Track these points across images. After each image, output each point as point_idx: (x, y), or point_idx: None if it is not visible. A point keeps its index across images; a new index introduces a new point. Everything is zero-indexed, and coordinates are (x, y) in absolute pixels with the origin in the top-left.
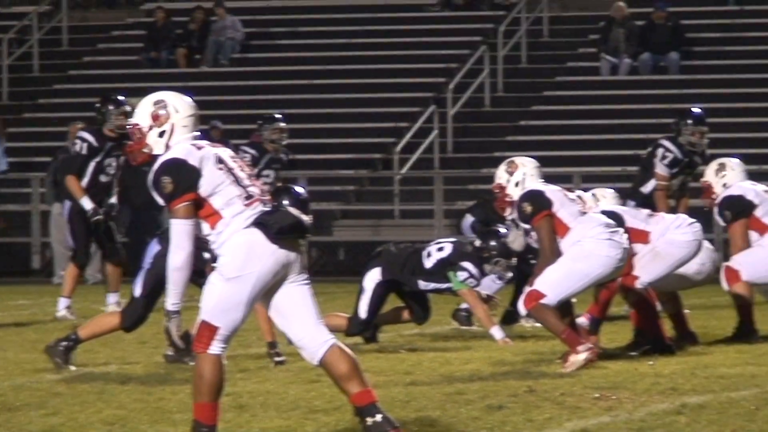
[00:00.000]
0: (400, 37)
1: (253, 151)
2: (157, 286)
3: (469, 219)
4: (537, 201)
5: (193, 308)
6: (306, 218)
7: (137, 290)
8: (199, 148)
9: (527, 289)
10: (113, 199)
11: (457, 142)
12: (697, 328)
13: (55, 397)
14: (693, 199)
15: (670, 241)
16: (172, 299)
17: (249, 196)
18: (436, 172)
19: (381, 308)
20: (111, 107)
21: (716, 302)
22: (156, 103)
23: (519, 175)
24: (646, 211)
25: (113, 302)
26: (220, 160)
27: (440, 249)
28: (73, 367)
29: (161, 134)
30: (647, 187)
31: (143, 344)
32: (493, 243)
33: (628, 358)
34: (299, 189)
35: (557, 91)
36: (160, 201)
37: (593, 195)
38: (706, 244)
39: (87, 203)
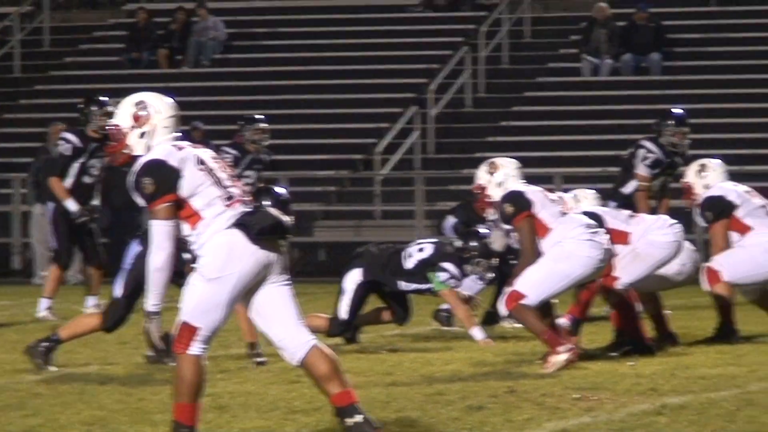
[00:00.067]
0: (382, 38)
1: (234, 152)
2: (137, 286)
3: (450, 220)
4: (518, 202)
5: (173, 309)
6: (287, 219)
7: (118, 291)
8: (180, 148)
9: (508, 289)
10: (96, 201)
11: (438, 143)
12: (677, 329)
13: (35, 398)
14: (674, 199)
15: (651, 242)
16: (152, 300)
17: (230, 197)
18: (417, 172)
19: (362, 309)
20: (94, 108)
21: (697, 303)
22: (137, 104)
23: (500, 176)
24: (627, 212)
25: (92, 305)
26: (201, 161)
27: (421, 250)
28: (53, 368)
29: (142, 135)
30: (628, 188)
31: (124, 345)
32: (473, 243)
33: (608, 359)
34: (280, 190)
35: (538, 91)
36: (141, 202)
37: (574, 196)
38: (687, 244)
39: (71, 205)
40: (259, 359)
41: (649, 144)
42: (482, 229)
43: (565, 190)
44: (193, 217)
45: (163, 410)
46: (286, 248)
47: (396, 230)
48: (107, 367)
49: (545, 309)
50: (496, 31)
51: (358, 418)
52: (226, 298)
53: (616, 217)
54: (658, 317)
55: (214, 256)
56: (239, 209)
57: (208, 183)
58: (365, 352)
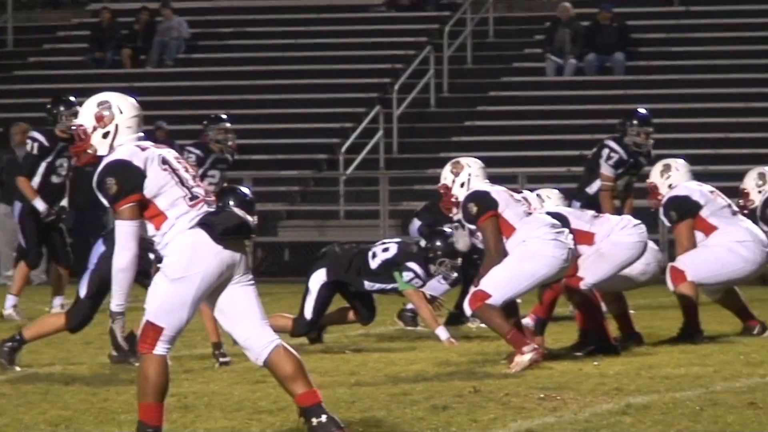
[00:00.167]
0: (346, 38)
1: (198, 152)
2: (102, 286)
3: (416, 223)
4: (482, 201)
5: (137, 309)
6: (251, 219)
7: (82, 291)
8: (144, 149)
9: (472, 289)
10: (64, 202)
11: (402, 143)
12: (642, 329)
13: None
14: (638, 199)
15: (615, 242)
16: (116, 300)
17: (194, 197)
18: (382, 172)
19: (326, 309)
20: (62, 108)
21: (661, 303)
22: (100, 104)
23: (464, 176)
24: (591, 213)
25: (58, 305)
26: (165, 161)
27: (385, 249)
28: (17, 368)
29: (105, 135)
30: (592, 188)
31: (88, 345)
32: (438, 243)
33: (573, 359)
34: (244, 190)
35: (503, 91)
36: (105, 202)
37: (538, 195)
38: (651, 244)
39: (40, 204)
40: (223, 359)
41: (613, 144)
42: (446, 229)
43: (530, 190)
44: (158, 217)
45: (128, 410)
46: (249, 248)
47: (360, 230)
48: (72, 367)
49: (510, 309)
50: (460, 31)
51: (323, 417)
52: (191, 298)
53: (580, 218)
54: (622, 317)
55: (178, 256)
56: (203, 209)
57: (172, 183)
58: (330, 352)
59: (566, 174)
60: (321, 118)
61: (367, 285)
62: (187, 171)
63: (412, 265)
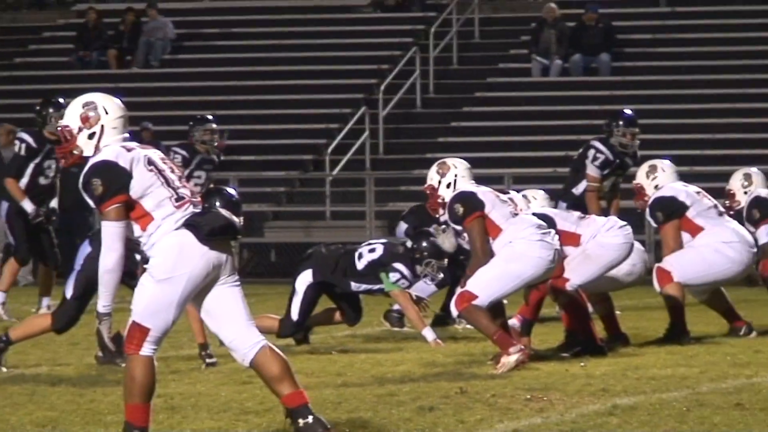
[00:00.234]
0: (331, 38)
1: (183, 152)
2: (88, 287)
3: (402, 226)
4: (469, 202)
5: (124, 310)
6: (237, 220)
7: (69, 292)
8: (129, 149)
9: (459, 290)
10: (54, 203)
11: (388, 144)
12: (628, 330)
13: None
14: (624, 200)
15: (601, 243)
16: (103, 301)
17: (179, 198)
18: (368, 173)
19: (313, 310)
20: (51, 110)
21: (648, 303)
22: (85, 104)
23: (450, 177)
24: (577, 214)
25: (45, 306)
26: (150, 162)
27: (372, 250)
28: (3, 369)
29: (91, 136)
30: (579, 189)
31: (75, 346)
32: (424, 244)
33: (559, 360)
34: (231, 191)
35: (488, 92)
36: (91, 203)
37: (524, 196)
38: (637, 245)
39: (28, 205)
40: (209, 360)
41: (599, 144)
42: (433, 230)
43: (516, 191)
44: (144, 218)
45: (114, 411)
46: (236, 249)
47: (346, 231)
48: (58, 368)
49: (496, 310)
50: (446, 32)
51: (310, 418)
52: (177, 299)
53: (566, 219)
54: (608, 318)
55: (164, 256)
56: (189, 210)
57: (157, 184)
58: (316, 353)
59: (552, 175)
60: (307, 119)
61: (354, 286)
62: (172, 172)
63: (398, 265)
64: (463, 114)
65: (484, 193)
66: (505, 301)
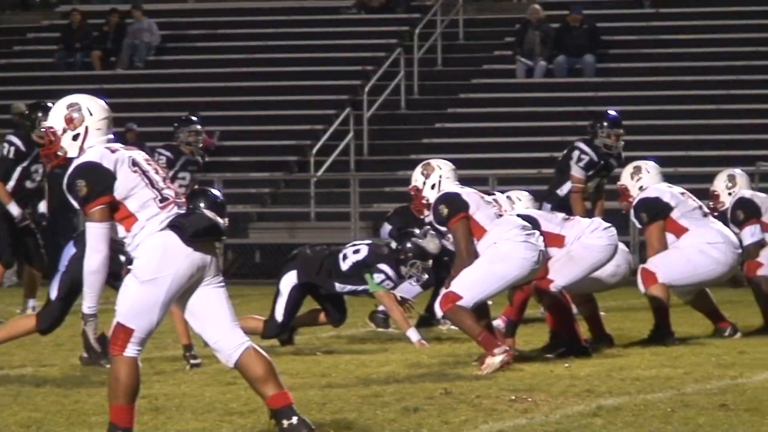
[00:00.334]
0: (316, 40)
1: (168, 154)
2: (73, 288)
3: (387, 227)
4: (453, 203)
5: (109, 311)
6: (222, 221)
7: (53, 293)
8: (114, 150)
9: (443, 291)
10: (43, 208)
11: (372, 145)
12: (612, 330)
13: None
14: (609, 201)
15: (585, 245)
16: (88, 302)
17: (164, 199)
18: (352, 174)
19: (297, 311)
20: (40, 114)
21: (632, 304)
22: (69, 106)
23: (435, 178)
24: (561, 215)
25: (31, 307)
26: (135, 163)
27: (356, 251)
28: None
29: (75, 137)
30: (563, 190)
31: (59, 347)
32: (408, 245)
33: (544, 361)
34: (215, 192)
35: (473, 93)
36: (75, 204)
37: (508, 197)
38: (621, 246)
39: (14, 209)
40: (194, 361)
41: (583, 146)
42: (417, 231)
43: (501, 192)
44: (128, 219)
45: (99, 412)
46: (220, 250)
47: (331, 232)
48: (43, 369)
49: (481, 311)
50: (431, 33)
51: (294, 419)
52: (161, 300)
53: (550, 221)
54: (593, 319)
55: (148, 257)
56: (174, 211)
57: (142, 185)
58: (301, 354)
59: (537, 176)
60: (291, 120)
61: (338, 287)
62: (157, 173)
63: (383, 266)
64: (447, 115)
65: (468, 194)
66: (489, 302)
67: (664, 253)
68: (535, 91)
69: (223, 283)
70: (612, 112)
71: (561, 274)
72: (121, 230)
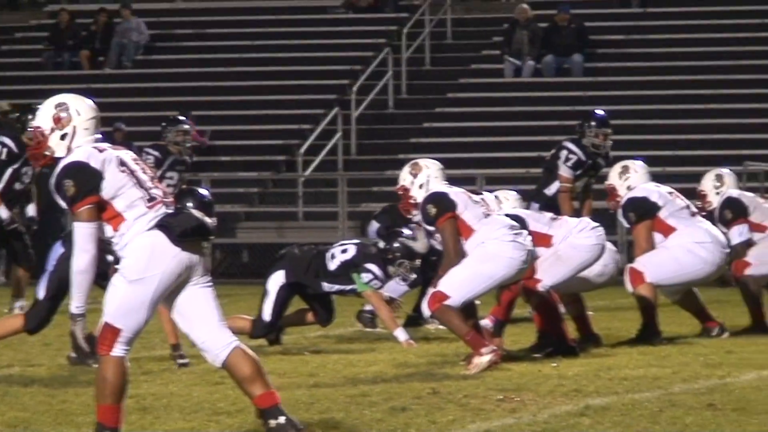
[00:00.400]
0: (304, 39)
1: (156, 153)
2: (61, 288)
3: (374, 225)
4: (441, 203)
5: (96, 310)
6: (210, 221)
7: (41, 293)
8: (101, 150)
9: (431, 290)
10: (32, 211)
11: (360, 144)
12: (600, 330)
13: None
14: (597, 201)
15: (573, 245)
16: (76, 302)
17: (151, 198)
18: (340, 174)
19: (285, 311)
20: (30, 116)
21: (620, 304)
22: (57, 105)
23: (423, 177)
24: (549, 215)
25: (18, 307)
26: (122, 163)
27: (344, 251)
28: None
29: (63, 137)
30: (551, 189)
31: (47, 346)
32: (396, 244)
33: (531, 360)
34: (203, 191)
35: (461, 93)
36: (63, 204)
37: (496, 197)
38: (609, 245)
39: (2, 211)
40: (182, 361)
41: (571, 145)
42: (405, 230)
43: (489, 191)
44: (116, 218)
45: (86, 412)
46: (208, 249)
47: (319, 231)
48: (30, 368)
49: (468, 310)
50: (419, 33)
51: (282, 419)
52: (149, 300)
53: (538, 220)
54: (580, 318)
55: (136, 257)
56: (161, 211)
57: (129, 184)
58: (288, 354)
59: (525, 175)
60: (279, 120)
61: (326, 286)
62: (145, 172)
63: (370, 266)
64: (435, 115)
65: (456, 193)
66: (477, 302)
67: (652, 253)
68: (523, 90)
69: (210, 283)
70: (600, 112)
71: (549, 274)
72: (108, 230)
